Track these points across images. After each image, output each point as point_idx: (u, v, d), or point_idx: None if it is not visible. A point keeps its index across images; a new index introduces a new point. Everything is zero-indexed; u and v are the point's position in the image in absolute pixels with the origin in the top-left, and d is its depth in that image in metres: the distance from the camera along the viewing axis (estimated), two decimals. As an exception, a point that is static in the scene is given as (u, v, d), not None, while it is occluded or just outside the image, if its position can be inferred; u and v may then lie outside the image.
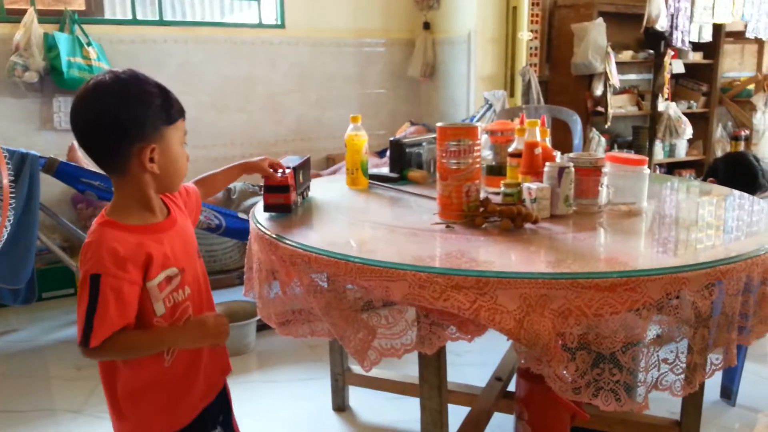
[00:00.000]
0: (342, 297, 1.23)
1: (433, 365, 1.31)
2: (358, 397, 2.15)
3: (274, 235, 1.34)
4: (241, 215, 2.72)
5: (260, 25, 3.81)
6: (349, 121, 1.87)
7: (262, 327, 2.53)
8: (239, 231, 2.67)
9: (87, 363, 2.42)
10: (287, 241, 1.29)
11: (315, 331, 1.35)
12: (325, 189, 1.92)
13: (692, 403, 1.53)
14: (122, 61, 3.35)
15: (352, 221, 1.55)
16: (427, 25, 4.14)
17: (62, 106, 3.20)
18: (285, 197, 1.52)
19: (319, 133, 4.05)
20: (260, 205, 1.65)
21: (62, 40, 3.06)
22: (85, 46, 3.13)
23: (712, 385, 2.15)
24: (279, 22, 3.83)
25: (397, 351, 1.20)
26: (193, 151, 3.64)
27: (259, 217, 1.51)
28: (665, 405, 1.73)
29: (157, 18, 3.49)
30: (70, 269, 2.57)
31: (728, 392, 2.12)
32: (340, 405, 2.12)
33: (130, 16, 3.43)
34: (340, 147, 3.90)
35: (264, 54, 3.79)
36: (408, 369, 1.89)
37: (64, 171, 2.51)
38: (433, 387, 1.32)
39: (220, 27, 3.70)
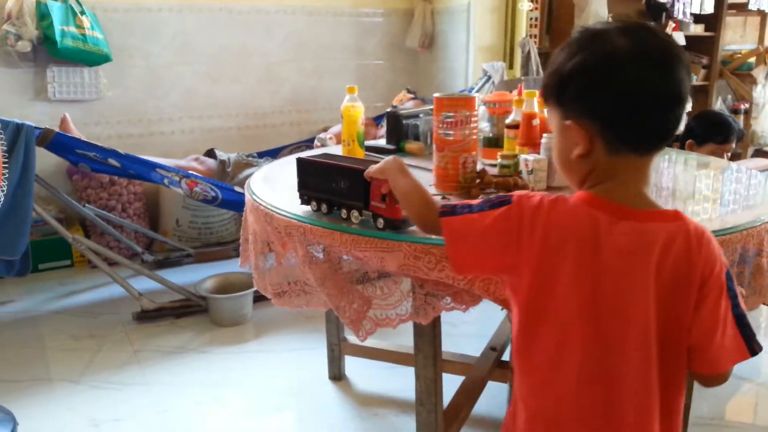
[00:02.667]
0: (337, 268, 1.24)
1: (428, 335, 1.32)
2: (354, 366, 2.17)
3: (269, 206, 1.33)
4: (237, 188, 2.71)
5: (256, -6, 3.75)
6: (346, 92, 1.85)
7: (258, 298, 2.54)
8: (235, 203, 2.67)
9: (84, 333, 2.44)
10: (282, 212, 1.28)
11: (310, 301, 1.35)
12: (322, 160, 1.91)
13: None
14: (116, 30, 3.31)
15: (348, 192, 1.55)
16: (425, -5, 4.08)
17: (56, 76, 3.16)
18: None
19: (315, 104, 4.02)
20: (257, 176, 1.65)
21: (55, 8, 3.00)
22: (79, 14, 3.08)
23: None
24: (275, -9, 3.78)
25: (392, 321, 1.21)
26: (189, 122, 3.67)
27: (255, 187, 1.50)
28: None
29: (151, -15, 3.43)
30: (65, 240, 2.57)
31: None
32: (337, 374, 2.14)
33: (123, -16, 3.37)
34: (336, 118, 3.87)
35: (260, 23, 3.74)
36: (403, 339, 1.90)
37: (59, 142, 2.49)
38: (427, 356, 1.34)
39: (216, -5, 3.65)
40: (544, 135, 1.50)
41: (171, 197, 3.28)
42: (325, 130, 3.82)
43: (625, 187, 0.84)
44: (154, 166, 2.65)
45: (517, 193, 0.87)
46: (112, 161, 2.59)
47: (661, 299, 0.82)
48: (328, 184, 1.24)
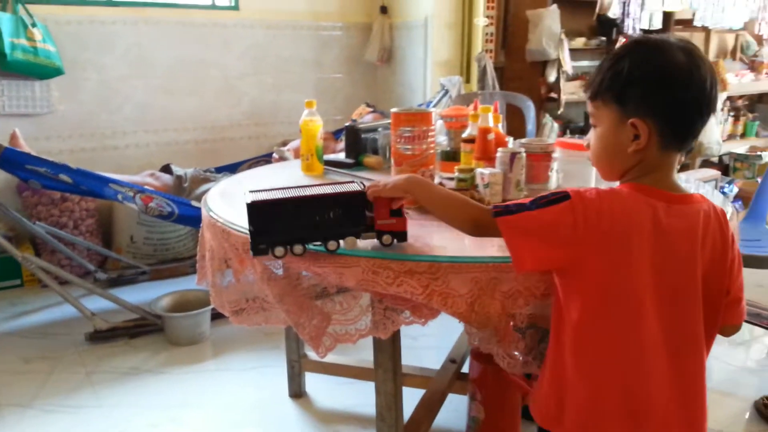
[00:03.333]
0: (296, 284, 1.23)
1: (388, 350, 1.32)
2: (314, 383, 2.16)
3: (226, 223, 1.32)
4: (194, 203, 2.67)
5: (213, 7, 3.72)
6: (305, 106, 1.85)
7: (216, 315, 2.50)
8: (192, 218, 2.63)
9: (35, 356, 2.36)
10: (240, 229, 1.27)
11: (269, 318, 1.34)
12: (280, 175, 1.90)
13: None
14: (69, 42, 3.23)
15: (306, 207, 1.54)
16: (384, 9, 4.12)
17: (5, 90, 3.07)
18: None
19: (275, 117, 4.00)
20: (214, 191, 1.63)
21: (5, 20, 2.92)
22: (30, 26, 3.00)
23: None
24: (233, 4, 3.75)
25: (352, 336, 1.21)
26: (144, 136, 3.61)
27: (212, 204, 1.48)
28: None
29: (105, -1, 3.37)
30: (14, 259, 2.48)
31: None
32: (297, 391, 2.12)
33: (76, -4, 3.30)
34: (295, 131, 3.85)
35: (218, 36, 3.71)
36: (364, 354, 1.90)
37: (8, 158, 2.41)
38: (387, 371, 1.34)
39: (172, 8, 3.60)
40: (499, 149, 1.53)
41: (125, 213, 3.20)
42: (285, 143, 3.80)
43: (668, 177, 0.99)
44: (107, 181, 2.59)
45: (571, 188, 0.96)
46: (64, 177, 2.52)
47: (704, 269, 0.98)
48: (307, 220, 1.12)
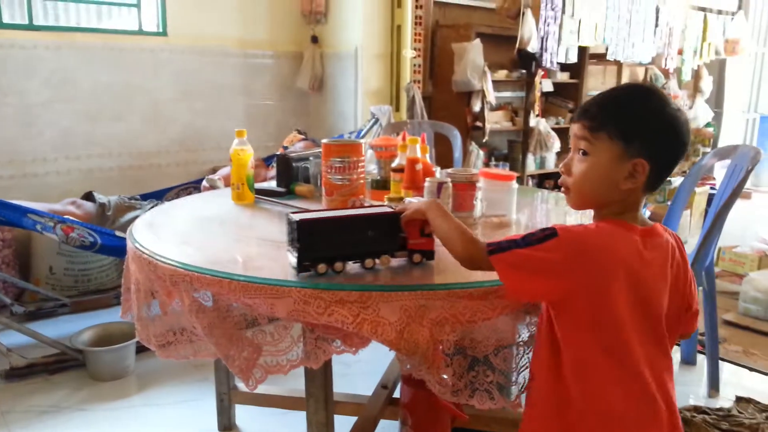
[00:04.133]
0: (226, 316, 1.22)
1: (319, 379, 1.33)
2: (244, 415, 2.12)
3: (153, 255, 1.30)
4: (118, 233, 2.59)
5: (141, 32, 3.65)
6: (235, 134, 1.85)
7: (142, 348, 2.42)
8: (116, 248, 2.55)
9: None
10: (168, 261, 1.26)
11: (198, 351, 1.32)
12: (210, 204, 1.89)
13: (560, 399, 1.65)
14: (-18, 65, 3.09)
15: (237, 238, 1.54)
16: (315, 39, 4.18)
17: None
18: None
19: (204, 144, 3.95)
20: (140, 222, 1.60)
21: None
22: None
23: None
24: (161, 30, 3.70)
25: (283, 367, 1.21)
26: (65, 163, 3.49)
27: (137, 235, 1.45)
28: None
29: (27, 22, 3.25)
30: None
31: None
32: (227, 425, 2.08)
33: (-6, 19, 3.17)
34: (226, 157, 3.81)
35: (145, 61, 3.64)
36: (295, 383, 1.89)
37: None
38: (318, 401, 1.34)
39: (97, 33, 3.51)
40: (427, 179, 1.58)
41: (44, 243, 3.06)
42: (214, 170, 3.75)
43: (639, 213, 1.09)
44: (25, 211, 2.48)
45: (557, 225, 1.03)
46: (-23, 207, 2.40)
47: (670, 290, 1.07)
48: (348, 239, 1.20)
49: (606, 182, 1.05)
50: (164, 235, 1.51)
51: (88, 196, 3.24)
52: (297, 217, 1.18)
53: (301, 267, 1.17)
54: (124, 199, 3.19)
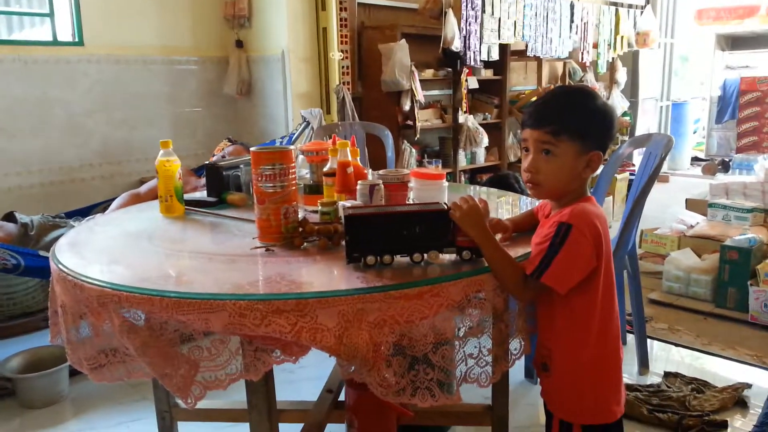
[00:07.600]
0: (160, 334, 1.19)
1: (261, 390, 1.32)
2: None
3: (78, 276, 1.25)
4: (42, 252, 2.47)
5: (55, 43, 3.50)
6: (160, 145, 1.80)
7: (75, 372, 2.32)
8: (41, 269, 2.43)
9: None
10: (94, 281, 1.21)
11: (132, 372, 1.27)
12: (138, 219, 1.83)
13: (500, 388, 1.70)
14: None
15: (167, 252, 1.50)
16: (240, 43, 4.11)
17: None
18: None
19: (129, 155, 3.82)
20: (62, 242, 1.53)
21: None
22: None
23: (519, 366, 2.42)
24: (76, 39, 3.55)
25: (222, 382, 1.19)
26: (-20, 183, 3.27)
27: (60, 256, 1.40)
28: (480, 391, 1.89)
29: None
30: None
31: (531, 373, 2.40)
32: (170, 443, 2.02)
33: None
34: (153, 168, 3.71)
35: (61, 73, 3.49)
36: (239, 395, 1.86)
37: None
38: (262, 412, 1.33)
39: (8, 45, 3.34)
40: (359, 182, 1.59)
41: (-40, 269, 2.88)
42: (142, 182, 3.64)
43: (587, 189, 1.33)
44: (-64, 236, 2.33)
45: (569, 216, 1.21)
46: None
47: None
48: (396, 233, 1.25)
49: (571, 174, 1.26)
50: (89, 254, 1.46)
51: (9, 217, 3.07)
52: (348, 212, 1.27)
53: (350, 258, 1.25)
54: (48, 218, 3.04)
